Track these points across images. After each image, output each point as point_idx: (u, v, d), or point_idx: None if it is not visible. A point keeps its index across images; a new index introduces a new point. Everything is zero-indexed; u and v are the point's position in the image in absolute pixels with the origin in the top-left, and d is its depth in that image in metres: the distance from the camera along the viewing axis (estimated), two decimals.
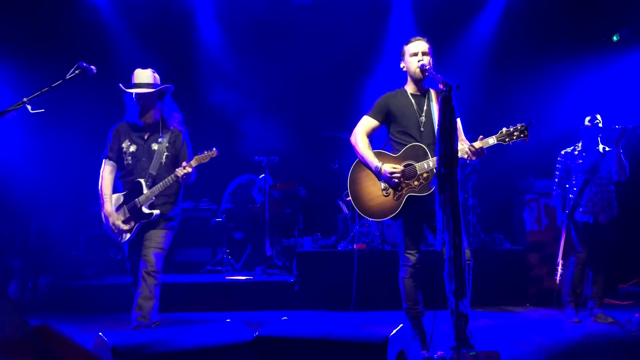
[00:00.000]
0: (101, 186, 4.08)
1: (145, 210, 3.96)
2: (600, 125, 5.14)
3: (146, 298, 3.83)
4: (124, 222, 4.01)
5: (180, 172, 3.90)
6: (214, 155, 3.96)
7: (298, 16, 7.60)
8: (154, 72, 4.11)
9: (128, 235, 4.01)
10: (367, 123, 3.82)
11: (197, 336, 2.70)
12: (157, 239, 3.99)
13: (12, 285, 6.29)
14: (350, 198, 3.79)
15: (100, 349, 2.57)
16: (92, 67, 3.53)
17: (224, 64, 7.94)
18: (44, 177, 6.74)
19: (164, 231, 4.03)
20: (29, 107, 3.33)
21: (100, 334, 2.62)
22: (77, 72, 3.49)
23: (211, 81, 7.89)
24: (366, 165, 3.74)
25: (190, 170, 3.91)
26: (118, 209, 4.05)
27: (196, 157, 3.95)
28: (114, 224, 4.00)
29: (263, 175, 7.21)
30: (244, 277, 6.43)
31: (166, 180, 3.96)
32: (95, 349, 2.64)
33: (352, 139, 3.82)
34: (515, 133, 3.41)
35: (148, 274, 3.88)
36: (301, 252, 6.34)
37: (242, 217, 7.33)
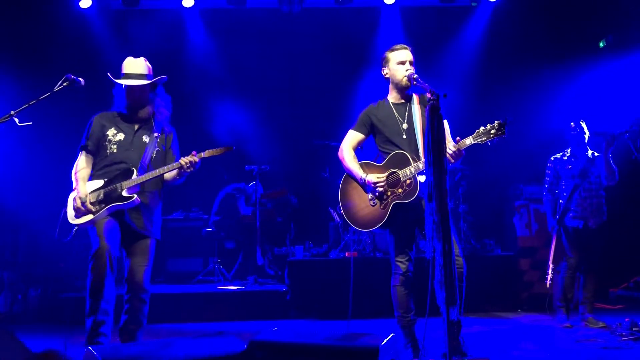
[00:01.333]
0: (75, 171, 3.74)
1: (125, 194, 3.61)
2: (585, 132, 5.19)
3: (139, 323, 3.68)
4: (92, 203, 3.62)
5: (186, 160, 3.61)
6: (229, 150, 3.71)
7: (287, 25, 7.62)
8: (146, 61, 3.83)
9: (89, 217, 3.59)
10: (352, 137, 3.87)
11: (187, 348, 2.68)
12: (145, 254, 3.73)
13: (1, 297, 6.24)
14: (342, 211, 3.82)
15: None
16: (80, 79, 3.48)
17: (213, 72, 7.94)
18: (33, 188, 6.70)
19: (149, 242, 3.76)
20: (16, 119, 3.32)
21: (89, 347, 2.60)
22: (65, 84, 3.45)
23: (201, 90, 7.89)
24: (353, 177, 3.78)
25: (197, 160, 3.62)
26: (93, 192, 3.66)
27: (209, 150, 3.67)
28: (80, 198, 3.60)
29: (253, 182, 7.20)
30: (235, 287, 6.41)
31: (164, 168, 3.67)
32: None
33: (339, 153, 3.87)
34: (492, 131, 3.37)
35: (138, 298, 3.67)
36: (293, 260, 6.33)
37: (233, 227, 7.31)
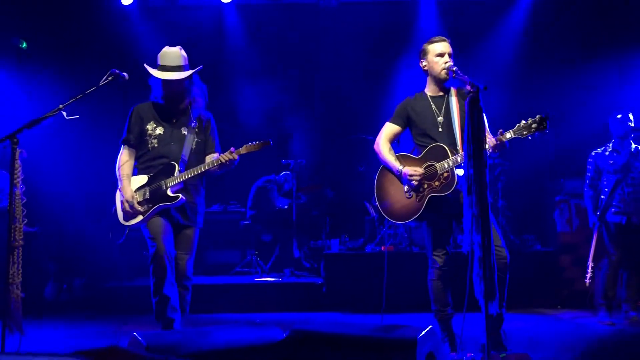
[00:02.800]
0: (119, 167, 3.77)
1: (170, 193, 3.65)
2: (631, 124, 5.05)
3: (182, 310, 3.75)
4: (140, 203, 3.68)
5: (225, 157, 3.62)
6: (267, 145, 3.69)
7: (325, 19, 7.64)
8: (182, 51, 3.78)
9: (140, 218, 3.67)
10: (389, 129, 3.85)
11: (228, 336, 2.74)
12: (189, 244, 3.81)
13: (48, 287, 6.46)
14: (377, 203, 3.82)
15: (134, 348, 2.64)
16: (125, 73, 3.55)
17: (251, 68, 8.02)
18: (77, 179, 6.92)
19: (194, 232, 3.83)
20: (64, 113, 3.43)
21: (134, 333, 2.68)
22: (110, 78, 3.51)
23: (239, 85, 7.99)
24: (389, 169, 3.77)
25: (236, 157, 3.63)
26: (138, 190, 3.72)
27: (246, 145, 3.66)
28: (127, 201, 3.67)
29: (285, 172, 7.24)
30: (272, 279, 6.48)
31: (204, 165, 3.68)
32: (129, 348, 2.71)
33: (376, 146, 3.86)
34: (534, 125, 3.33)
35: (182, 285, 3.75)
36: (329, 254, 6.36)
37: (269, 220, 7.39)
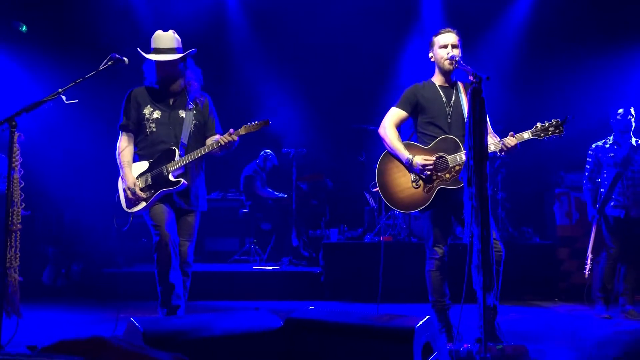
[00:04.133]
0: (119, 154, 3.76)
1: (172, 178, 3.64)
2: (632, 118, 5.04)
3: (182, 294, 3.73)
4: (142, 189, 3.67)
5: (224, 139, 3.60)
6: (266, 125, 3.64)
7: (327, 7, 7.59)
8: (175, 34, 3.76)
9: (143, 205, 3.66)
10: (395, 114, 3.78)
11: (226, 323, 2.74)
12: (190, 229, 3.80)
13: (46, 271, 6.47)
14: (377, 189, 3.78)
15: (131, 334, 2.64)
16: (124, 58, 3.51)
17: (252, 53, 7.99)
18: (77, 165, 6.91)
19: (195, 216, 3.82)
20: (63, 97, 3.41)
21: (131, 319, 2.68)
22: (109, 63, 3.49)
23: (239, 72, 7.96)
24: (396, 157, 3.71)
25: (235, 139, 3.61)
26: (140, 176, 3.71)
27: (245, 126, 3.63)
28: (129, 189, 3.65)
29: (263, 152, 7.33)
30: (271, 267, 6.49)
31: (204, 148, 3.66)
32: (126, 334, 2.71)
33: (381, 130, 3.79)
34: (550, 128, 3.40)
35: (182, 271, 3.73)
36: (327, 243, 6.37)
37: (269, 208, 7.39)
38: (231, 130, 3.64)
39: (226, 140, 3.61)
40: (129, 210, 3.71)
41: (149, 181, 3.69)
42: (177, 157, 3.67)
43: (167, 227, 3.62)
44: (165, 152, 3.71)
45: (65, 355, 1.65)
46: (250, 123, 3.66)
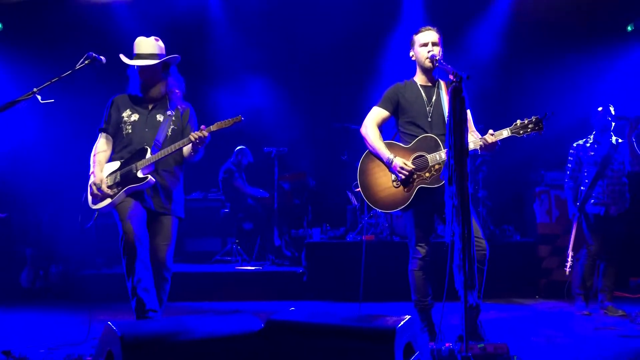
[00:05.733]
0: (94, 154, 3.74)
1: (140, 174, 3.59)
2: (610, 118, 5.09)
3: (159, 301, 3.67)
4: (110, 187, 3.62)
5: (195, 134, 3.53)
6: (238, 121, 3.56)
7: (307, 5, 7.55)
8: (157, 41, 3.76)
9: (108, 201, 3.60)
10: (377, 114, 3.78)
11: (206, 326, 2.70)
12: (166, 233, 3.72)
13: (24, 273, 6.36)
14: (359, 189, 3.77)
15: (108, 338, 2.59)
16: (102, 57, 3.46)
17: (233, 53, 7.92)
18: (56, 167, 6.79)
19: (171, 221, 3.74)
20: (39, 97, 3.32)
21: (109, 322, 2.63)
22: (86, 62, 3.41)
23: (219, 71, 7.89)
24: (377, 156, 3.70)
25: (206, 135, 3.55)
26: (110, 175, 3.67)
27: (218, 122, 3.57)
28: (94, 184, 3.61)
29: (237, 149, 7.25)
30: (253, 268, 6.45)
31: (174, 145, 3.61)
32: (103, 338, 2.65)
33: (363, 130, 3.78)
34: (530, 125, 3.38)
35: (161, 276, 3.68)
36: (310, 242, 6.35)
37: (251, 208, 7.34)
38: (202, 126, 3.59)
39: (196, 136, 3.55)
40: (94, 207, 3.66)
41: (118, 179, 3.64)
42: (148, 155, 3.63)
43: (132, 221, 3.55)
44: (138, 152, 3.68)
45: None
46: (223, 120, 3.60)
